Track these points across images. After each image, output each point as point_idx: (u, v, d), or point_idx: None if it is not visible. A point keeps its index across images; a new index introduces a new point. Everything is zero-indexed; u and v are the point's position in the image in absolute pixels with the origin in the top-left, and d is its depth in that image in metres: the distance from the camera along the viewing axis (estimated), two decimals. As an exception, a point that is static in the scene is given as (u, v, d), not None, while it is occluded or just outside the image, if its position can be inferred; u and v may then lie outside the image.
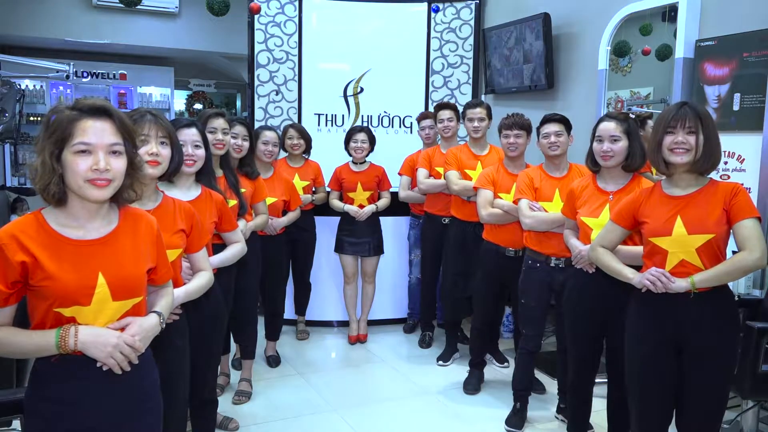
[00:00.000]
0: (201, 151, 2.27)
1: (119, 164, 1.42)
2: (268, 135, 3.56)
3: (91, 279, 1.40)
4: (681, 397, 2.04)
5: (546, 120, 2.91)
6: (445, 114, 3.95)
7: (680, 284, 1.94)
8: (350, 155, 4.10)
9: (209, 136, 2.63)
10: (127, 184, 1.47)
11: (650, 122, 3.23)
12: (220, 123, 2.70)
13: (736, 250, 1.99)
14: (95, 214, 1.45)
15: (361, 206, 4.10)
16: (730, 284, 2.12)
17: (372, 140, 4.09)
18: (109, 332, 1.42)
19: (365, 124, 4.60)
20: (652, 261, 2.04)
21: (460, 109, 3.94)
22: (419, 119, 4.29)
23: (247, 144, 3.06)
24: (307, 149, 4.05)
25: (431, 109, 4.55)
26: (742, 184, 2.21)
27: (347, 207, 4.08)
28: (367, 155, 4.11)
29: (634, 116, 3.27)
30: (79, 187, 1.38)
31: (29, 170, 1.42)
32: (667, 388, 2.05)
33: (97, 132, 1.39)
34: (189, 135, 2.23)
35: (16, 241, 1.36)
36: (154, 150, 1.88)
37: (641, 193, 2.14)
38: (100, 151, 1.39)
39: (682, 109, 1.99)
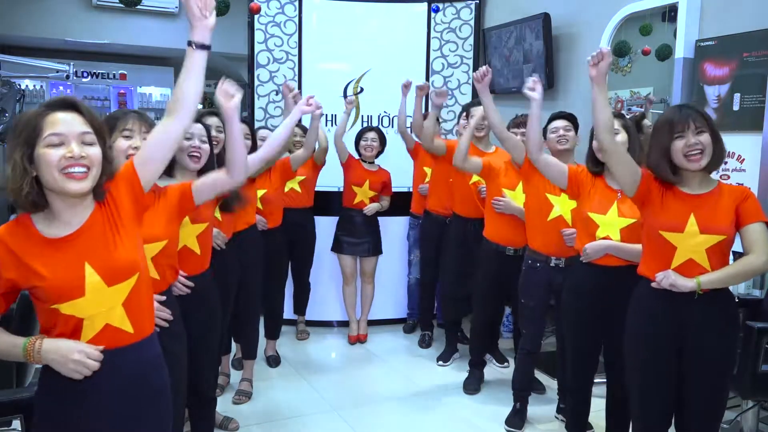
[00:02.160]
0: (207, 146, 2.27)
1: (94, 151, 1.40)
2: (266, 132, 3.58)
3: (78, 271, 1.39)
4: (680, 397, 2.04)
5: (554, 117, 2.91)
6: (475, 110, 3.94)
7: (686, 283, 1.93)
8: (360, 154, 4.09)
9: None
10: (102, 181, 1.44)
11: (646, 122, 3.23)
12: (214, 121, 2.70)
13: (737, 250, 1.99)
14: (75, 208, 1.43)
15: (363, 203, 4.10)
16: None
17: (382, 140, 4.10)
18: (70, 348, 1.38)
19: (365, 125, 4.60)
20: (658, 256, 2.02)
21: (457, 109, 3.94)
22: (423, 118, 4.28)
23: (249, 143, 3.05)
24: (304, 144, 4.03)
25: (431, 109, 4.55)
26: (742, 184, 2.20)
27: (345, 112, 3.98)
28: (377, 155, 4.10)
29: (630, 116, 3.28)
30: (56, 181, 1.35)
31: (3, 179, 1.39)
32: (667, 388, 2.05)
33: (66, 122, 1.38)
34: (196, 128, 2.23)
35: (5, 247, 1.37)
36: (137, 144, 1.83)
37: (656, 182, 2.07)
38: (72, 140, 1.37)
39: (684, 111, 1.97)
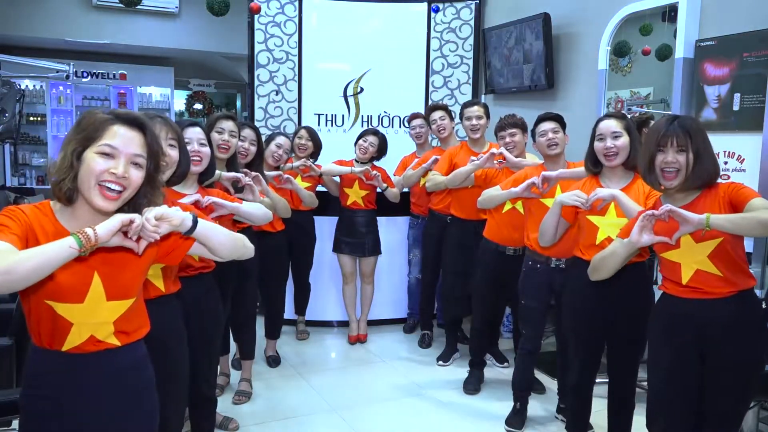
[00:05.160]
0: (206, 149, 2.28)
1: (137, 175, 1.43)
2: (282, 140, 3.63)
3: (87, 276, 1.41)
4: (703, 401, 2.01)
5: (541, 119, 2.91)
6: (437, 114, 3.96)
7: (693, 217, 1.83)
8: (355, 153, 4.09)
9: (216, 136, 2.65)
10: (144, 203, 1.46)
11: (653, 123, 3.23)
12: (228, 125, 2.70)
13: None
14: (99, 218, 1.43)
15: (356, 204, 4.10)
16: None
17: (381, 147, 4.07)
18: (119, 215, 1.36)
19: (365, 125, 4.61)
20: (669, 274, 2.03)
21: (457, 109, 3.95)
22: (410, 120, 4.29)
23: (254, 149, 3.03)
24: (315, 154, 4.03)
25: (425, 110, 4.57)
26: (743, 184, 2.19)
27: (355, 169, 3.97)
28: (371, 159, 4.08)
29: (632, 116, 3.27)
30: (90, 189, 1.37)
31: (50, 164, 1.43)
32: (691, 394, 2.01)
33: (125, 139, 1.40)
34: (195, 133, 2.25)
35: (27, 218, 1.38)
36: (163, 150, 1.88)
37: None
38: (122, 158, 1.40)
39: (672, 126, 1.95)
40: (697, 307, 1.96)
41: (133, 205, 1.46)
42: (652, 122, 3.23)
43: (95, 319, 1.43)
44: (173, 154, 1.93)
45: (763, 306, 2.14)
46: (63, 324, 1.41)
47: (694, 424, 2.04)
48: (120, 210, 1.44)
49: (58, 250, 1.28)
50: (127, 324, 1.50)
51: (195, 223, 1.52)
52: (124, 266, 1.47)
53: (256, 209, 2.45)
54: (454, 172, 3.41)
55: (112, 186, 1.38)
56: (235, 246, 1.69)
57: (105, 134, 1.39)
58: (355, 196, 4.10)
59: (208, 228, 1.57)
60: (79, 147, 1.38)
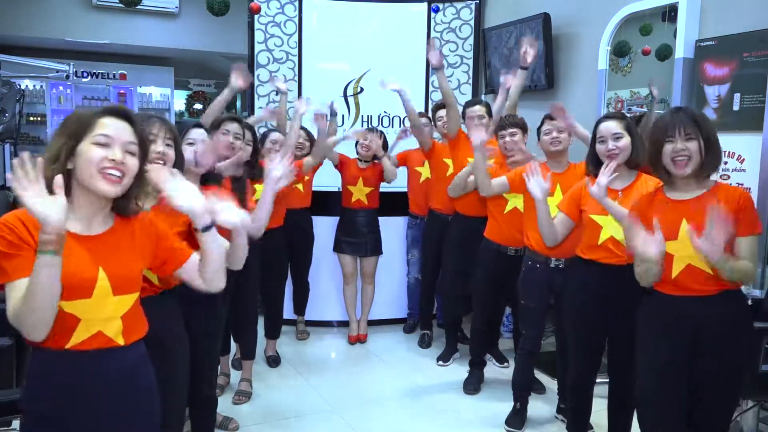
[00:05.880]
0: None
1: (133, 162, 1.46)
2: (276, 135, 3.62)
3: (92, 272, 1.42)
4: (693, 400, 2.01)
5: (547, 118, 2.92)
6: (443, 112, 3.96)
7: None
8: (357, 152, 4.09)
9: (222, 138, 2.64)
10: (134, 194, 1.50)
11: (644, 119, 3.23)
12: (234, 127, 2.70)
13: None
14: (98, 211, 1.47)
15: (360, 202, 4.10)
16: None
17: (383, 144, 4.09)
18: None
19: (366, 125, 4.61)
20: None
21: (459, 109, 3.94)
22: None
23: (250, 148, 3.04)
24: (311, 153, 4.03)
25: (430, 109, 4.56)
26: (742, 184, 2.19)
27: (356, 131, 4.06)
28: (374, 157, 4.09)
29: (630, 116, 3.26)
30: (91, 177, 1.40)
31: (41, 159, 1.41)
32: (683, 395, 2.01)
33: (117, 129, 1.45)
34: (200, 134, 2.24)
35: (24, 226, 1.38)
36: (161, 149, 1.88)
37: (645, 197, 2.12)
38: (117, 145, 1.43)
39: (677, 115, 1.97)
40: (688, 306, 1.96)
41: (126, 197, 1.49)
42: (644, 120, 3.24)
43: (103, 314, 1.44)
44: (171, 154, 1.93)
45: (749, 303, 2.16)
46: (70, 321, 1.41)
47: (686, 423, 2.04)
48: (115, 201, 1.47)
49: (37, 273, 1.26)
50: (133, 321, 1.51)
51: (211, 224, 1.55)
52: (126, 260, 1.49)
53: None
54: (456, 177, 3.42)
55: (113, 172, 1.42)
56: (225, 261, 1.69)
57: (96, 126, 1.43)
58: (359, 193, 4.10)
59: (216, 236, 1.59)
60: (70, 141, 1.41)
